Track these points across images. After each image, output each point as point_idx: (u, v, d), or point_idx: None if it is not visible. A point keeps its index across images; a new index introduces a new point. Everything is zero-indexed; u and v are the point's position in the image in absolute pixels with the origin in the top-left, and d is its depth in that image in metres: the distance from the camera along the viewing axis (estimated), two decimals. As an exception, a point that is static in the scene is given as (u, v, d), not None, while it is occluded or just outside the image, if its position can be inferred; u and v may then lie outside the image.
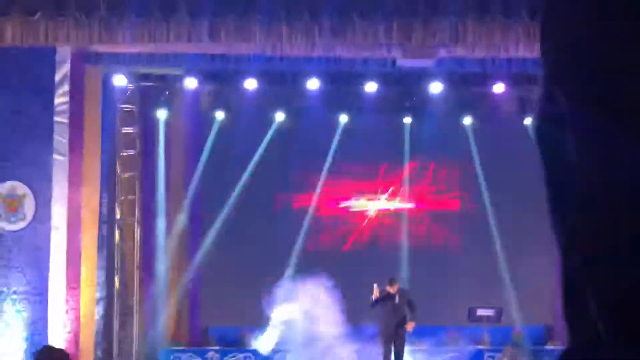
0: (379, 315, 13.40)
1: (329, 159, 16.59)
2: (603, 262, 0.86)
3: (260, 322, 14.88)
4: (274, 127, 16.40)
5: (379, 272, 14.26)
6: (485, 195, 16.52)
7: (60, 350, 6.49)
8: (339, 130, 16.51)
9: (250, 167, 16.47)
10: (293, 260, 15.97)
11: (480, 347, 15.19)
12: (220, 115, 16.28)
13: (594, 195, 0.86)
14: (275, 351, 14.74)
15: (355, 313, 13.88)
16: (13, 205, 13.37)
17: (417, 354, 14.91)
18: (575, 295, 0.90)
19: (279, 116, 16.32)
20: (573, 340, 0.93)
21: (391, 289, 13.22)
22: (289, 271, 15.34)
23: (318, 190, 16.58)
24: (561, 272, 0.94)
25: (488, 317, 13.94)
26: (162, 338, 16.23)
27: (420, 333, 14.09)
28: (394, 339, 13.13)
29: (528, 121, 16.33)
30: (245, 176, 16.46)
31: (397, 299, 13.18)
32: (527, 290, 16.18)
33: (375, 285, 13.30)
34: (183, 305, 16.64)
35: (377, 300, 13.16)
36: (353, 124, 16.42)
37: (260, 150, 16.49)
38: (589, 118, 0.87)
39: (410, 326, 13.15)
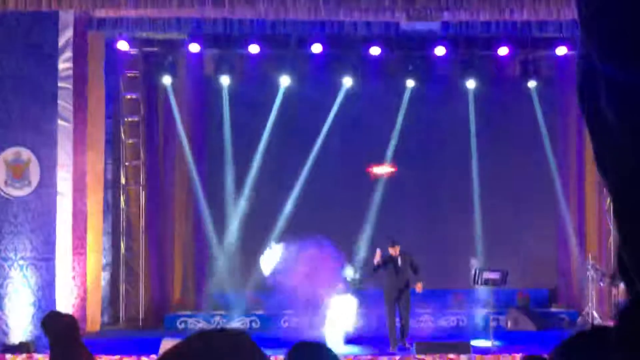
0: (383, 278, 13.38)
1: (331, 122, 16.52)
2: (633, 224, 0.87)
3: (265, 287, 14.93)
4: (280, 92, 16.28)
5: (382, 237, 14.27)
6: (487, 158, 16.48)
7: (67, 315, 6.52)
8: (342, 94, 16.44)
9: (264, 135, 16.39)
10: (298, 224, 15.95)
11: (485, 310, 15.25)
12: (225, 80, 16.19)
13: (626, 156, 0.86)
14: (278, 315, 14.82)
15: (358, 276, 13.92)
16: (18, 171, 13.39)
17: (422, 317, 14.97)
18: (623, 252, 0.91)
19: (284, 80, 16.21)
20: (627, 297, 0.95)
21: (393, 251, 13.15)
22: (292, 236, 15.32)
23: (316, 153, 16.51)
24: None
25: (494, 280, 13.96)
26: (168, 303, 16.32)
27: (426, 296, 14.14)
28: (398, 302, 13.12)
29: (532, 84, 16.28)
30: (253, 142, 16.39)
31: (399, 262, 13.13)
32: (531, 254, 16.22)
33: (378, 250, 13.29)
34: (189, 270, 16.71)
35: (379, 265, 13.13)
36: (356, 87, 16.35)
37: (270, 117, 16.38)
38: (619, 78, 0.87)
39: (419, 287, 13.10)
